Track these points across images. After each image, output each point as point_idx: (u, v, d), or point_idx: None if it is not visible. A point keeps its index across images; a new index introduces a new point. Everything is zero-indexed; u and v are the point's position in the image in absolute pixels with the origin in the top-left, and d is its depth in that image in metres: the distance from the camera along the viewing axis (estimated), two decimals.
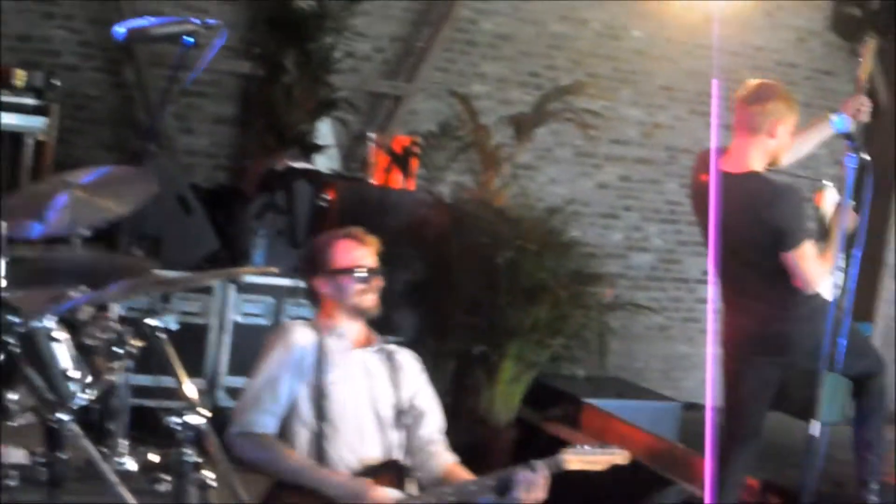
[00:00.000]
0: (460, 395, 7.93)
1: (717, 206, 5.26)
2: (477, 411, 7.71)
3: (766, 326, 5.32)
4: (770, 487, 5.97)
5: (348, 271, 4.28)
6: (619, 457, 4.30)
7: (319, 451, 4.15)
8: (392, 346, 4.50)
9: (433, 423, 4.47)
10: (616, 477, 6.17)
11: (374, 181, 8.49)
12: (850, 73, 11.99)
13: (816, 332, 4.70)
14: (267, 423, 4.14)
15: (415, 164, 8.62)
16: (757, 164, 5.24)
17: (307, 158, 8.52)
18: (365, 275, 4.28)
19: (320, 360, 4.21)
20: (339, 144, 9.14)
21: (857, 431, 5.73)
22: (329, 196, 7.93)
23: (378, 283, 4.33)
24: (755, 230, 5.17)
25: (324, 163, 8.73)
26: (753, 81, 5.33)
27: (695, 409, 9.76)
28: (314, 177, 8.09)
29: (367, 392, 4.31)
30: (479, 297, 7.61)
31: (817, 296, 5.16)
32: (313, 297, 4.40)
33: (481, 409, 7.70)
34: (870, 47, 5.56)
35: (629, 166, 10.90)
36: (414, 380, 4.49)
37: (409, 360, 4.51)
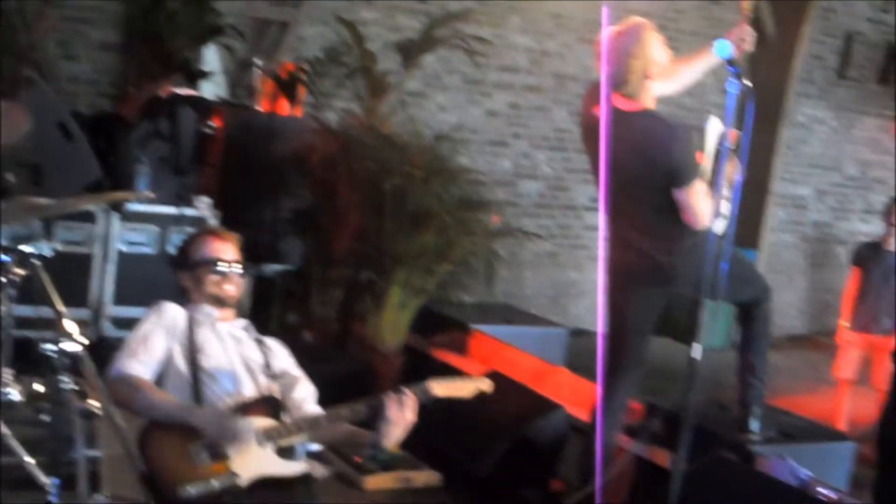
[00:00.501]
0: (348, 323, 7.93)
1: (607, 141, 5.28)
2: (364, 338, 7.71)
3: (653, 258, 5.36)
4: (654, 411, 6.04)
5: (205, 264, 4.51)
6: (484, 384, 4.38)
7: (197, 396, 4.24)
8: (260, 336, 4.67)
9: (307, 389, 4.54)
10: (503, 401, 6.26)
11: (260, 108, 8.39)
12: (737, 2, 12.09)
13: (701, 262, 4.75)
14: (141, 371, 4.22)
15: (301, 90, 8.53)
16: (648, 101, 5.26)
17: (192, 85, 8.38)
18: (221, 267, 4.51)
19: (191, 326, 4.42)
20: (226, 71, 9.01)
21: (741, 356, 5.82)
22: (214, 123, 7.83)
23: (235, 274, 4.55)
24: (648, 168, 5.18)
25: (210, 90, 8.60)
26: (617, 27, 5.29)
27: (582, 335, 9.88)
28: (199, 104, 7.97)
29: (237, 350, 4.48)
30: (366, 225, 7.57)
31: (703, 229, 5.21)
32: (180, 288, 4.61)
33: (369, 336, 7.70)
34: None
35: (518, 94, 10.90)
36: (284, 359, 4.63)
37: (277, 344, 4.68)
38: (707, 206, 5.11)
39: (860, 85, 13.63)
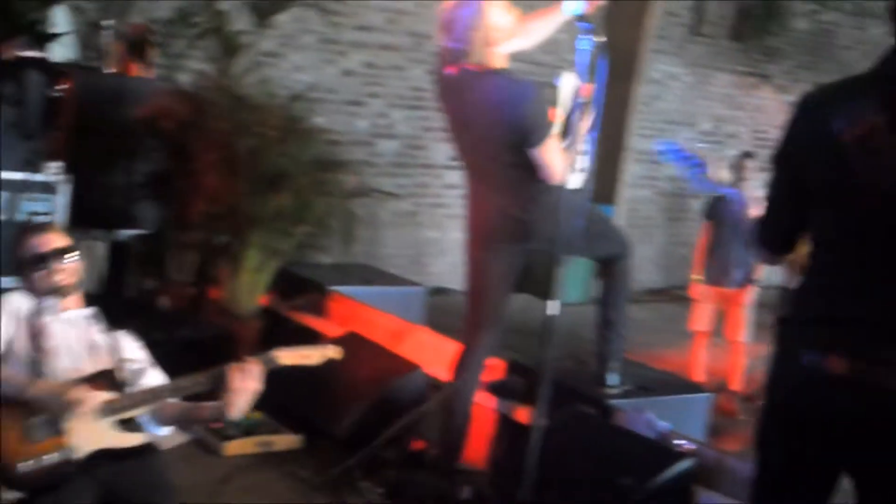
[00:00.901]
0: (204, 287, 7.82)
1: (460, 102, 5.26)
2: (222, 302, 7.61)
3: (511, 215, 5.37)
4: (515, 367, 6.07)
5: (29, 263, 4.48)
6: (332, 351, 4.38)
7: (36, 373, 4.20)
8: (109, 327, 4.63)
9: (156, 377, 4.45)
10: (362, 363, 6.24)
11: (110, 70, 8.19)
12: None
13: (559, 218, 4.76)
14: None
15: (152, 52, 8.35)
16: (498, 61, 5.23)
17: (40, 48, 8.13)
18: (44, 261, 4.45)
19: (36, 312, 4.38)
20: (75, 33, 8.77)
21: (600, 311, 5.87)
22: (63, 86, 7.62)
23: (62, 264, 4.48)
24: (500, 128, 5.17)
25: (59, 52, 8.35)
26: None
27: (442, 293, 9.90)
28: (46, 66, 7.74)
29: (80, 334, 4.45)
30: (221, 187, 7.45)
31: (560, 184, 5.22)
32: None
33: (226, 300, 7.60)
34: None
35: (374, 53, 10.83)
36: (133, 349, 4.57)
37: (127, 336, 4.61)
38: (562, 162, 5.12)
39: (714, 41, 13.83)
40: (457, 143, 5.46)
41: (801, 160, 3.16)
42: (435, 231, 11.42)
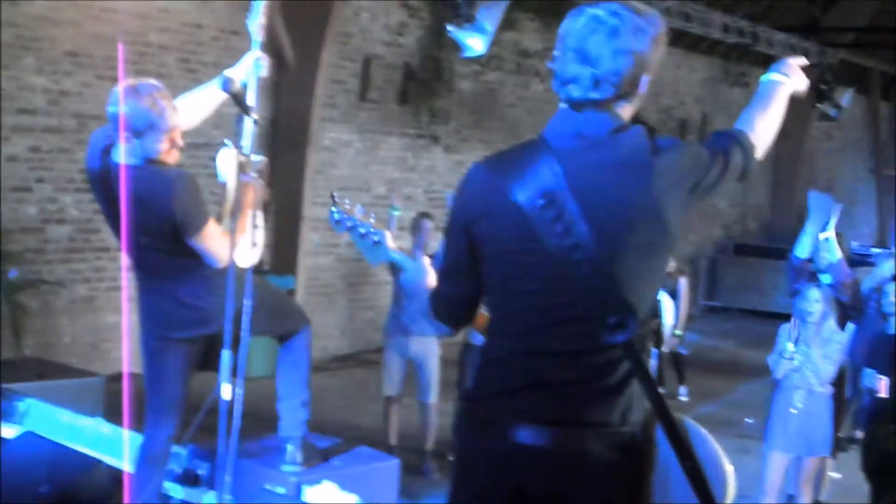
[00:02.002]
0: None
1: (113, 195, 5.10)
2: None
3: (183, 304, 5.31)
4: (198, 453, 5.98)
5: None
6: None
7: None
8: None
9: None
10: (42, 464, 6.00)
11: None
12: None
13: (234, 300, 4.71)
14: None
15: None
16: (146, 158, 5.10)
17: None
18: None
19: None
20: None
21: (281, 386, 5.88)
22: None
23: None
24: (156, 221, 5.07)
25: None
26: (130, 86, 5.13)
27: (123, 378, 9.65)
28: None
29: None
30: None
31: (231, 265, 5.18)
32: None
33: None
34: (268, 3, 5.55)
35: (38, 136, 10.52)
36: None
37: None
38: (226, 245, 5.07)
39: (382, 106, 14.06)
40: (116, 235, 5.34)
41: (478, 228, 3.15)
42: (115, 315, 11.13)
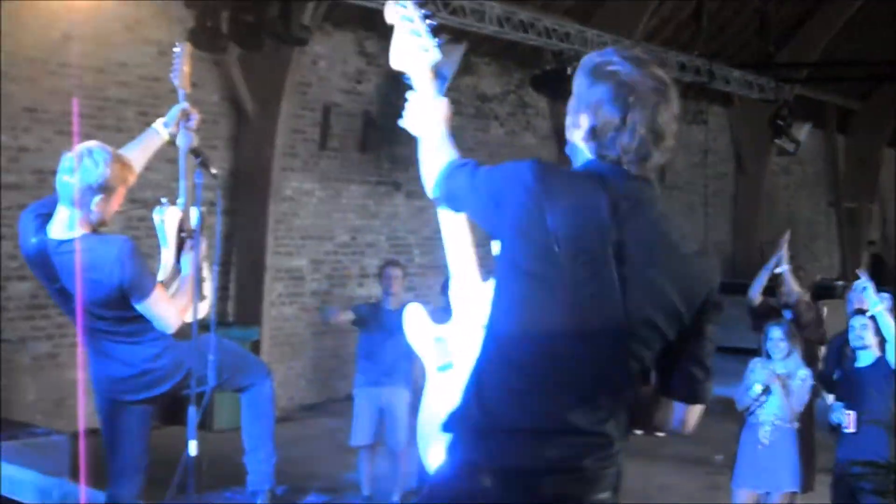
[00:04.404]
0: None
1: (55, 270, 5.06)
2: None
3: (133, 368, 5.27)
4: None
5: None
6: None
7: None
8: None
9: None
10: None
11: None
12: (214, 83, 12.22)
13: (186, 357, 4.69)
14: None
15: None
16: (85, 227, 5.06)
17: None
18: None
19: None
20: None
21: (246, 439, 5.84)
22: None
23: None
24: (104, 289, 4.99)
25: None
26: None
27: (90, 435, 9.57)
28: None
29: None
30: None
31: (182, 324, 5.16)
32: None
33: None
34: (187, 51, 5.55)
35: None
36: None
37: None
38: (173, 310, 5.06)
39: (342, 154, 14.07)
40: (63, 307, 5.29)
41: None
42: (79, 371, 11.05)
